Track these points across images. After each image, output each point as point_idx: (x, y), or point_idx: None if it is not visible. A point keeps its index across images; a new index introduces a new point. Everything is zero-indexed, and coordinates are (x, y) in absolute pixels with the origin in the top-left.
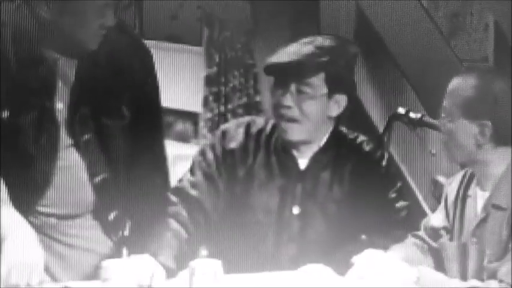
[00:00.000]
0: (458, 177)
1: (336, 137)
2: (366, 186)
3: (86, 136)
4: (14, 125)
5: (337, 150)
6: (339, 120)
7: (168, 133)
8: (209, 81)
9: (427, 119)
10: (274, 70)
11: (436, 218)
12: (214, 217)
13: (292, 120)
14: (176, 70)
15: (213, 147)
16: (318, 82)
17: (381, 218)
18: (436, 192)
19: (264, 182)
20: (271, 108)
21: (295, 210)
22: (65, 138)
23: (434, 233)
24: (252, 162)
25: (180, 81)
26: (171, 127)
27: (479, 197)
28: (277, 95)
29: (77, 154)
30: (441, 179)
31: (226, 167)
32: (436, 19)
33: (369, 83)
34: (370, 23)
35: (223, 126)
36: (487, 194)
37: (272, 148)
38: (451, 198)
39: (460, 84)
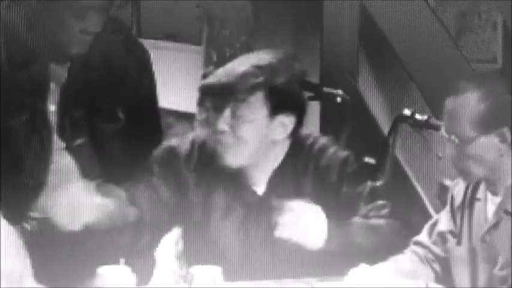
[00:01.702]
0: None
1: (292, 152)
2: (331, 195)
3: (80, 140)
4: (6, 127)
5: (295, 165)
6: (296, 135)
7: (166, 135)
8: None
9: (434, 120)
10: (208, 92)
11: (442, 222)
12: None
13: (228, 146)
14: (174, 69)
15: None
16: (255, 103)
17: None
18: (442, 197)
19: (224, 214)
20: (207, 131)
21: (260, 235)
22: (58, 142)
23: (441, 237)
24: (207, 191)
25: (177, 81)
26: (169, 129)
27: (490, 202)
28: (212, 118)
29: (70, 158)
30: (448, 182)
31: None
32: (443, 19)
33: (373, 83)
34: (374, 22)
35: (168, 143)
36: (498, 199)
37: (224, 176)
38: (457, 201)
39: (465, 103)
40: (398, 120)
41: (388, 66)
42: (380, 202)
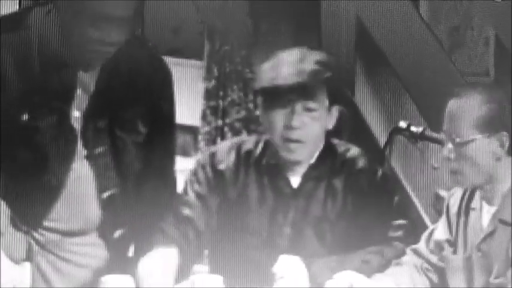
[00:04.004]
0: (461, 188)
1: (328, 151)
2: (360, 202)
3: (99, 149)
4: (34, 128)
5: (331, 164)
6: (329, 134)
7: None
8: (207, 94)
9: (429, 132)
10: (277, 91)
11: (439, 231)
12: (206, 235)
13: (298, 141)
14: (176, 83)
15: (203, 167)
16: (321, 96)
17: (376, 236)
18: (437, 206)
19: (256, 203)
20: (274, 128)
21: (287, 230)
22: (80, 150)
23: (438, 246)
24: (243, 184)
25: (179, 95)
26: None
27: (485, 211)
28: (282, 114)
29: (88, 167)
30: (443, 193)
31: (217, 187)
32: (437, 33)
33: (370, 96)
34: (370, 36)
35: (213, 148)
36: (493, 209)
37: (264, 169)
38: (453, 210)
39: (467, 105)
40: (395, 132)
41: (383, 79)
42: (398, 222)
